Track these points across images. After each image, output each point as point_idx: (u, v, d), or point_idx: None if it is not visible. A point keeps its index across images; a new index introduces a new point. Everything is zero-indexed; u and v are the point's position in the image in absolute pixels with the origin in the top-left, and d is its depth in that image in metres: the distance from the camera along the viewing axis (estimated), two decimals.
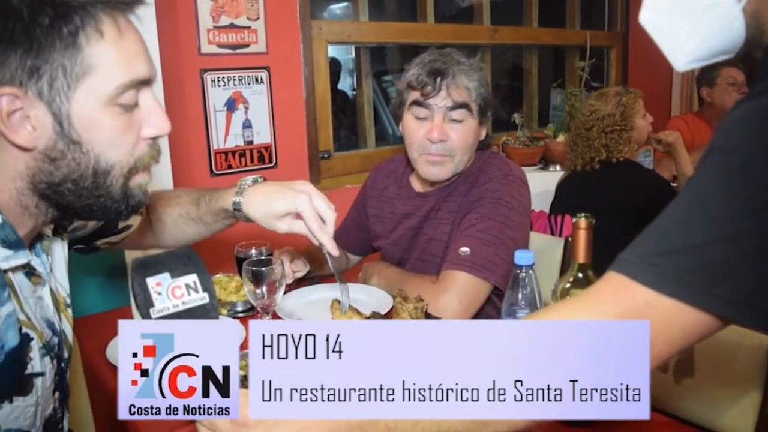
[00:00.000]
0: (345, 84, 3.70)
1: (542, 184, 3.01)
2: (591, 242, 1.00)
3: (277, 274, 1.32)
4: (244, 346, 1.30)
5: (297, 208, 1.17)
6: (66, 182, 0.88)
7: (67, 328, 1.06)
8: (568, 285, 1.02)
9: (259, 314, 1.35)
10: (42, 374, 0.95)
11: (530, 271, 1.10)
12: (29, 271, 0.93)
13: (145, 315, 0.81)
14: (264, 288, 1.29)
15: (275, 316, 1.39)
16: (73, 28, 0.81)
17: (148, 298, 0.81)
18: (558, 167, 3.06)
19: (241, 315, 1.52)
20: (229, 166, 2.38)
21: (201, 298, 0.84)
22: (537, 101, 3.69)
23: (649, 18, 0.79)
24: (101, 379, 1.28)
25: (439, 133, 1.52)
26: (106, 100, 0.85)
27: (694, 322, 0.65)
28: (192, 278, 0.84)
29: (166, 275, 0.82)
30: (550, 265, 1.88)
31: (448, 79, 1.51)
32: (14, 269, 0.89)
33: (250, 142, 2.42)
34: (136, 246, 1.38)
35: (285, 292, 1.43)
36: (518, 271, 1.10)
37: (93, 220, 1.05)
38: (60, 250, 1.08)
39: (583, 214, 0.98)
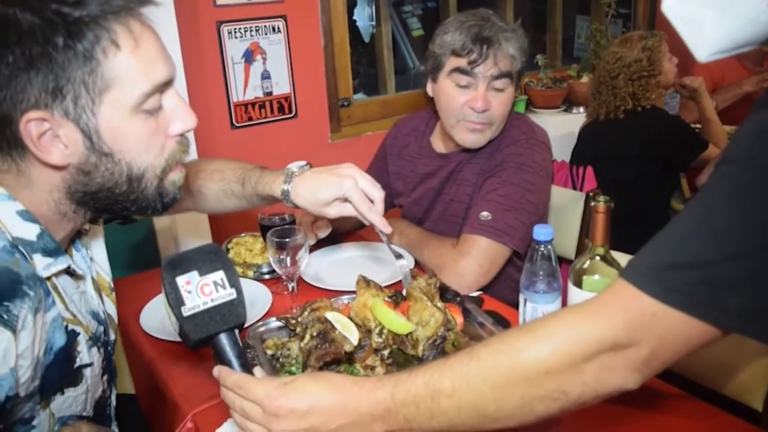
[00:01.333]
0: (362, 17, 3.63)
1: (565, 127, 2.98)
2: (609, 225, 1.00)
3: (301, 242, 1.34)
4: (271, 312, 1.37)
5: (344, 194, 1.18)
6: (102, 191, 0.91)
7: (112, 310, 1.12)
8: (585, 266, 1.04)
9: (284, 281, 1.40)
10: (90, 364, 1.01)
11: (549, 246, 1.11)
12: (71, 271, 0.97)
13: (177, 313, 0.85)
14: (288, 257, 1.32)
15: (300, 282, 1.43)
16: (88, 44, 0.82)
17: (179, 297, 0.85)
18: (582, 109, 3.02)
19: (266, 277, 1.56)
20: (250, 118, 2.39)
21: (229, 294, 0.87)
22: (561, 36, 3.59)
23: (671, 6, 0.77)
24: (137, 347, 1.34)
25: (483, 102, 1.50)
26: (131, 109, 0.87)
27: (700, 333, 0.66)
28: (219, 275, 0.87)
29: (195, 273, 0.86)
30: (571, 220, 1.89)
31: (494, 47, 1.48)
32: (57, 273, 0.93)
33: (270, 93, 2.41)
34: (172, 211, 1.40)
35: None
36: (537, 246, 1.11)
37: (129, 216, 1.08)
38: (99, 236, 1.12)
39: (601, 198, 0.98)
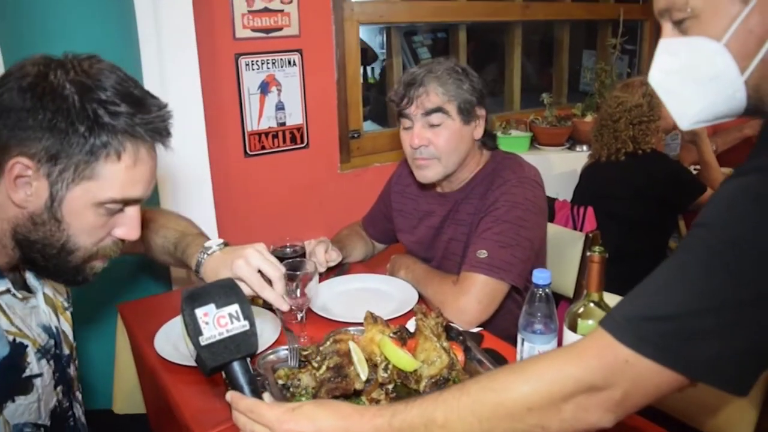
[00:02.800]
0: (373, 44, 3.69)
1: (569, 164, 3.05)
2: (604, 273, 1.06)
3: (311, 274, 1.40)
4: (280, 341, 1.42)
5: (236, 273, 1.23)
6: (38, 243, 1.03)
7: (66, 328, 1.24)
8: (580, 311, 1.10)
9: (294, 312, 1.45)
10: (40, 375, 1.12)
11: (547, 290, 1.17)
12: (14, 293, 1.09)
13: (196, 342, 0.92)
14: (298, 288, 1.38)
15: (309, 312, 1.49)
16: (99, 144, 0.97)
17: (197, 328, 0.93)
18: (585, 148, 3.08)
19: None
20: (263, 147, 2.46)
21: (242, 325, 0.96)
22: (567, 74, 3.68)
23: (658, 79, 0.85)
24: (150, 369, 1.39)
25: (418, 139, 1.62)
26: (95, 203, 1.01)
27: (669, 380, 0.73)
28: (234, 308, 0.96)
29: (212, 306, 0.95)
30: (570, 259, 1.94)
31: (419, 89, 1.61)
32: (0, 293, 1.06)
33: (283, 124, 2.49)
34: (130, 251, 1.48)
35: None
36: (536, 289, 1.17)
37: (47, 278, 1.19)
38: None
39: (597, 249, 1.05)
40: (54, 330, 1.19)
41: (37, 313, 1.16)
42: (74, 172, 0.97)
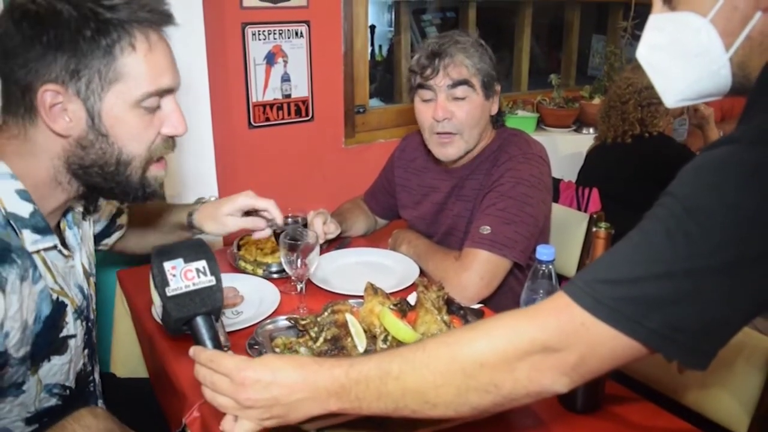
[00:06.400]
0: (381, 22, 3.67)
1: (574, 146, 3.03)
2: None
3: (312, 244, 1.39)
4: (278, 311, 1.42)
5: (240, 201, 1.40)
6: (94, 166, 1.03)
7: (92, 294, 1.25)
8: None
9: (293, 281, 1.45)
10: (74, 336, 1.13)
11: (550, 266, 1.16)
12: (60, 249, 1.10)
13: (162, 293, 0.95)
14: (298, 258, 1.37)
15: (309, 284, 1.48)
16: (110, 41, 0.96)
17: (165, 279, 0.95)
18: (591, 130, 3.06)
19: (275, 276, 1.62)
20: (267, 119, 2.44)
21: (209, 280, 0.98)
22: (576, 56, 3.64)
23: (645, 54, 0.85)
24: (150, 336, 1.39)
25: (443, 111, 1.58)
26: (132, 103, 1.00)
27: (623, 346, 0.72)
28: (202, 264, 0.98)
29: (180, 260, 0.97)
30: (574, 239, 1.93)
31: (446, 59, 1.57)
32: (46, 249, 1.05)
33: (288, 96, 2.47)
34: (120, 249, 1.56)
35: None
36: (539, 265, 1.16)
37: (115, 199, 1.22)
38: (88, 228, 1.26)
39: (603, 224, 1.03)
40: (86, 292, 1.20)
41: (75, 273, 1.17)
42: (100, 79, 0.97)
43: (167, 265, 0.96)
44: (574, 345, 0.74)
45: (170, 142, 1.10)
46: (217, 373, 0.87)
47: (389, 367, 0.81)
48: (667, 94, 0.84)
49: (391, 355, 0.83)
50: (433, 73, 1.57)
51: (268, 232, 1.44)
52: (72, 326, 1.13)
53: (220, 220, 1.42)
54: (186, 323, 0.97)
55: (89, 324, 1.22)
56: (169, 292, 0.95)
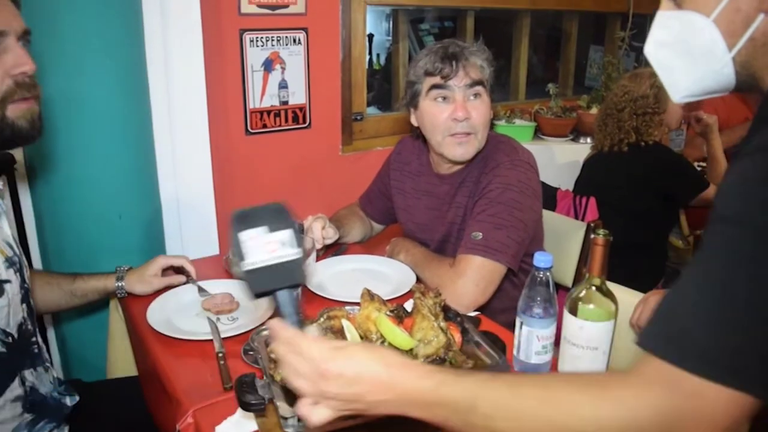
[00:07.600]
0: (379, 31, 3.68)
1: (571, 156, 3.03)
2: (607, 257, 1.04)
3: (309, 249, 1.39)
4: (274, 317, 1.40)
5: (159, 263, 1.57)
6: None
7: (24, 263, 1.31)
8: (581, 294, 1.08)
9: None
10: (9, 281, 1.21)
11: (548, 273, 1.15)
12: None
13: (239, 266, 0.87)
14: None
15: (305, 290, 1.47)
16: None
17: (240, 252, 0.86)
18: (588, 140, 3.06)
19: None
20: (264, 126, 2.44)
21: (295, 253, 0.87)
22: (574, 66, 3.65)
23: (652, 51, 0.87)
24: (143, 340, 1.38)
25: (463, 111, 1.58)
26: None
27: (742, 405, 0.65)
28: (288, 234, 0.88)
29: (263, 229, 0.87)
30: (571, 248, 1.93)
31: (463, 60, 1.58)
32: None
33: (285, 102, 2.46)
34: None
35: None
36: (536, 272, 1.15)
37: None
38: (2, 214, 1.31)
39: (601, 231, 1.03)
40: (16, 250, 1.27)
41: (2, 232, 1.24)
42: None
43: (244, 235, 0.86)
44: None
45: (25, 81, 1.15)
46: (299, 356, 0.83)
47: (476, 403, 0.76)
48: (673, 90, 0.86)
49: (483, 389, 0.77)
50: (453, 73, 1.58)
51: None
52: (4, 272, 1.19)
53: (147, 281, 1.55)
54: (267, 294, 0.89)
55: (24, 282, 1.27)
56: (246, 266, 0.86)
